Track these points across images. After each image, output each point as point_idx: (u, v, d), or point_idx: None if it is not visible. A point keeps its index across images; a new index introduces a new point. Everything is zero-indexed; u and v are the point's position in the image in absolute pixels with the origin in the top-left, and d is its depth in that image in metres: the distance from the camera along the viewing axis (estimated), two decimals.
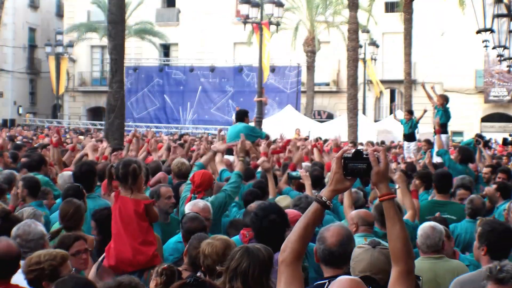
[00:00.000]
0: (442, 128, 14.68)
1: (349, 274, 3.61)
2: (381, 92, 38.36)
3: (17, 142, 15.43)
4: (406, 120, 16.97)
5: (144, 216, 5.58)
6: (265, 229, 4.71)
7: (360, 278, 3.51)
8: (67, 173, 7.86)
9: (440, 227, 5.30)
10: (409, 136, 16.87)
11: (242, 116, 11.37)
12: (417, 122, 16.88)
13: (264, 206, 5.02)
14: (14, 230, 4.71)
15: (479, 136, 14.96)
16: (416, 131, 17.02)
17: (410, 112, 17.48)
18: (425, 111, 16.27)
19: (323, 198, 2.90)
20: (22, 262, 4.22)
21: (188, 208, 5.77)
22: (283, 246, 2.91)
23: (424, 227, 5.27)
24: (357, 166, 2.87)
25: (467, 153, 10.51)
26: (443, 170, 8.33)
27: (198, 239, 4.69)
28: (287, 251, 2.88)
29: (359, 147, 17.58)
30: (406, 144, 17.14)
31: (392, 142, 23.71)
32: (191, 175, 6.99)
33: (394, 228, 2.83)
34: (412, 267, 2.85)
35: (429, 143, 15.87)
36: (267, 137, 12.37)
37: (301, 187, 7.99)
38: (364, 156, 2.88)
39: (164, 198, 6.48)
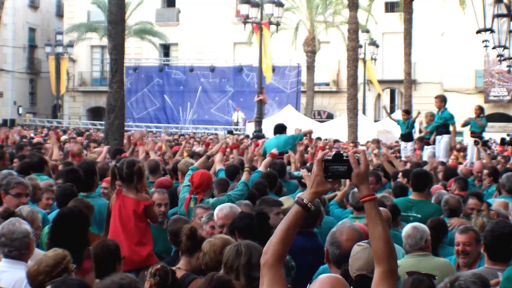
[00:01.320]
0: (443, 128, 14.72)
1: (347, 272, 3.64)
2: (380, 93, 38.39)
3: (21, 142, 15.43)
4: (403, 120, 16.93)
5: (143, 217, 5.58)
6: (252, 228, 4.77)
7: (357, 277, 3.55)
8: None
9: (423, 227, 5.29)
10: (406, 136, 16.84)
11: (281, 129, 12.28)
12: (414, 122, 16.86)
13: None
14: None
15: (478, 136, 15.02)
16: (413, 131, 16.98)
17: (407, 112, 17.42)
18: (419, 113, 16.37)
19: (304, 201, 2.87)
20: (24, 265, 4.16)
21: (216, 212, 5.58)
22: (265, 248, 2.91)
23: (406, 228, 5.32)
24: (338, 168, 2.86)
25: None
26: (420, 169, 8.35)
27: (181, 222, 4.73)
28: (269, 254, 2.87)
29: (359, 147, 17.60)
30: (403, 144, 17.08)
31: (396, 141, 23.62)
32: (187, 178, 6.98)
33: (376, 229, 2.83)
34: (394, 268, 2.85)
35: (421, 141, 15.87)
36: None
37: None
38: (345, 158, 2.87)
39: (155, 204, 6.32)
